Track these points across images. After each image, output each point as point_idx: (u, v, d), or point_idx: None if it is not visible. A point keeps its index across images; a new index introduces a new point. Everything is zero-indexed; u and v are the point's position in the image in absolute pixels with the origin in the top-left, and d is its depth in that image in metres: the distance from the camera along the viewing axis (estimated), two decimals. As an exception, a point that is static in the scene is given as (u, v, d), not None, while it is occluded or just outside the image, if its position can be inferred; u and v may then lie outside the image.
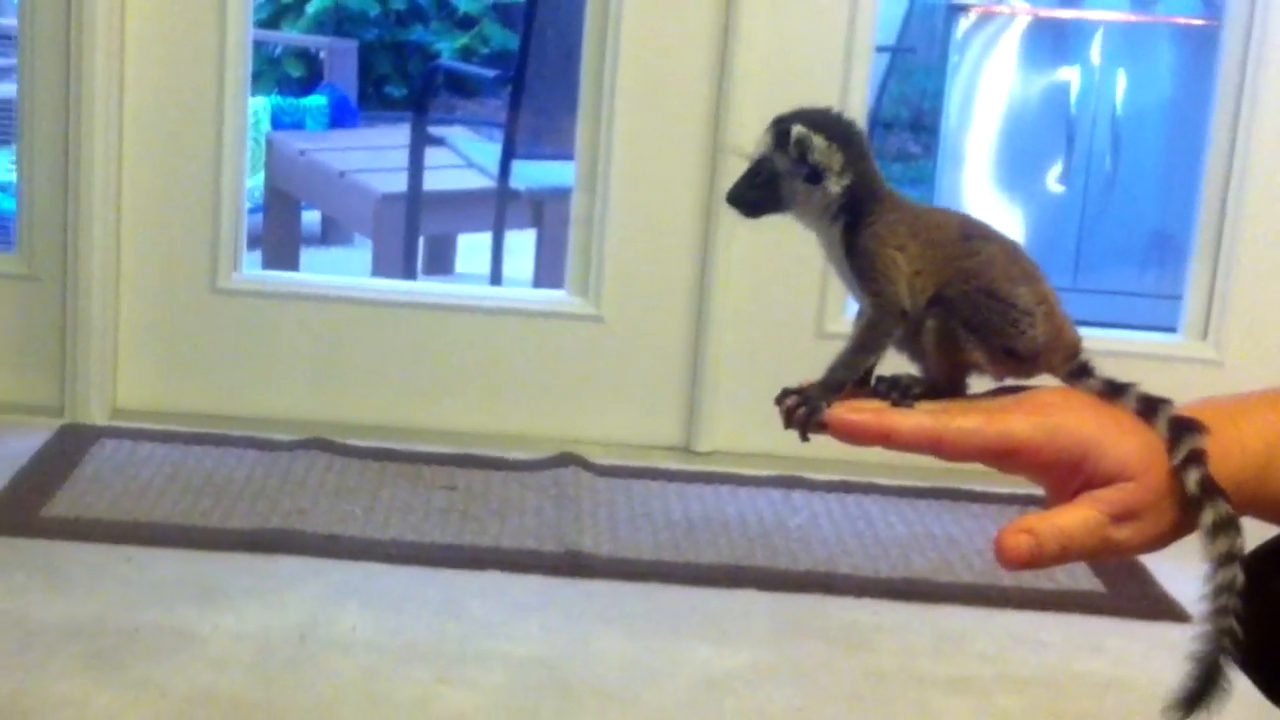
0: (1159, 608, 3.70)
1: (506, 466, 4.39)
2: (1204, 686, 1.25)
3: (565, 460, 4.43)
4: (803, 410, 1.28)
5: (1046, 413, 1.26)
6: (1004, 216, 6.06)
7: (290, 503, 4.04)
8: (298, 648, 3.34)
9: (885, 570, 3.87)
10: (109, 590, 3.53)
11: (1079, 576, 3.87)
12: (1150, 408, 1.27)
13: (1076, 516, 1.24)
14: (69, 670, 3.14)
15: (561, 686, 3.24)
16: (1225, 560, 1.24)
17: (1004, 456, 1.26)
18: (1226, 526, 1.23)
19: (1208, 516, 1.23)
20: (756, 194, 1.38)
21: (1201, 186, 4.65)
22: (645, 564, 3.83)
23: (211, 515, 3.94)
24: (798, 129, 1.35)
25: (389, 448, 4.45)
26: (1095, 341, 1.34)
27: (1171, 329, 4.76)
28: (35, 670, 3.13)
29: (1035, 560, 1.24)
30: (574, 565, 3.79)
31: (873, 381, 1.32)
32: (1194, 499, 1.24)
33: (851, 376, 1.31)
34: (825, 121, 1.36)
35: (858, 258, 1.35)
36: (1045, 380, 1.32)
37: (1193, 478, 1.24)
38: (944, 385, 1.31)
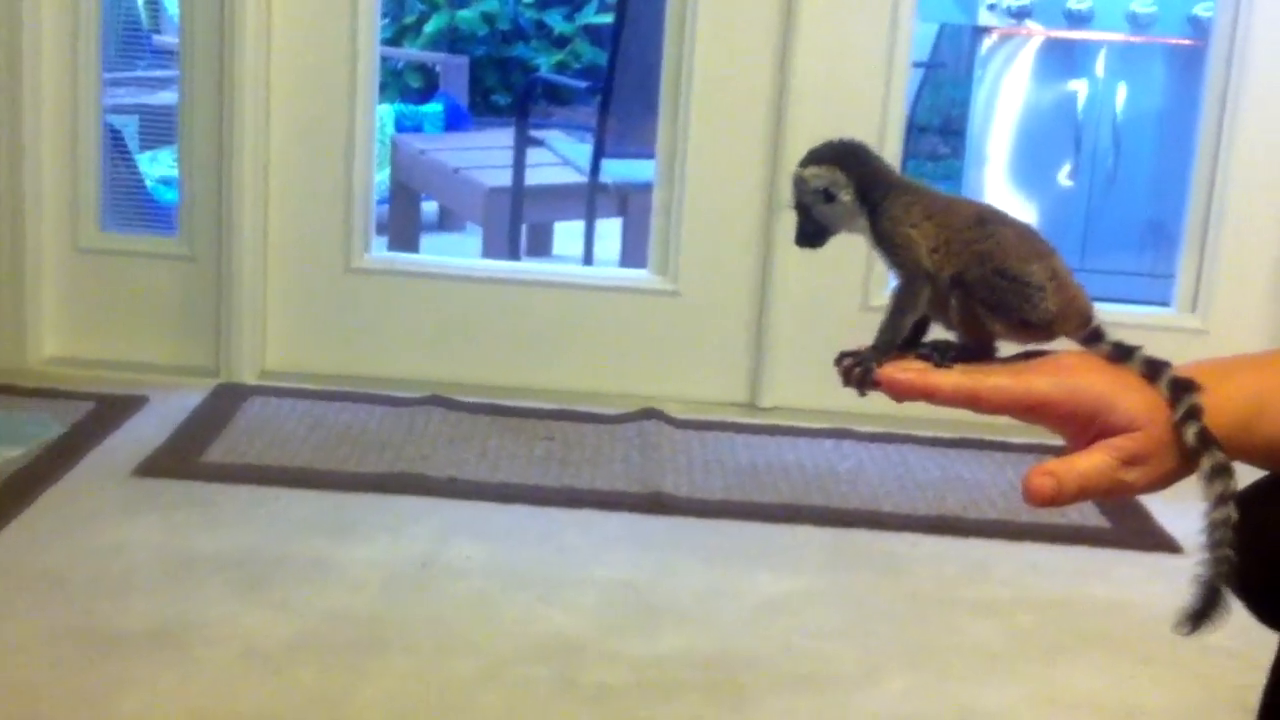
0: (1156, 541, 3.68)
1: (597, 420, 4.40)
2: (1206, 607, 1.25)
3: (648, 414, 4.43)
4: (858, 370, 1.29)
5: (1066, 373, 1.27)
6: (1021, 207, 6.06)
7: (413, 450, 4.06)
8: (419, 574, 3.36)
9: (921, 508, 3.87)
10: (258, 525, 3.55)
11: (1087, 514, 3.85)
12: (1153, 369, 1.27)
13: (1092, 461, 1.24)
14: (224, 593, 3.17)
15: (645, 607, 3.25)
16: (1221, 501, 1.23)
17: (1029, 410, 1.27)
18: (1221, 472, 1.23)
19: (1205, 463, 1.23)
20: (807, 230, 1.40)
21: (1190, 182, 4.67)
22: (716, 503, 3.83)
23: (346, 461, 3.97)
24: (795, 172, 1.38)
25: (497, 404, 4.45)
26: (1100, 314, 1.34)
27: (1165, 303, 4.78)
28: (195, 593, 3.16)
29: (1057, 498, 1.24)
30: (655, 504, 3.80)
31: (920, 346, 1.33)
32: (1193, 449, 1.23)
33: (896, 338, 1.32)
34: (821, 153, 1.37)
35: (881, 239, 1.36)
36: (1064, 345, 1.32)
37: (1191, 430, 1.24)
38: (976, 350, 1.32)
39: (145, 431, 4.09)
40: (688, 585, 3.38)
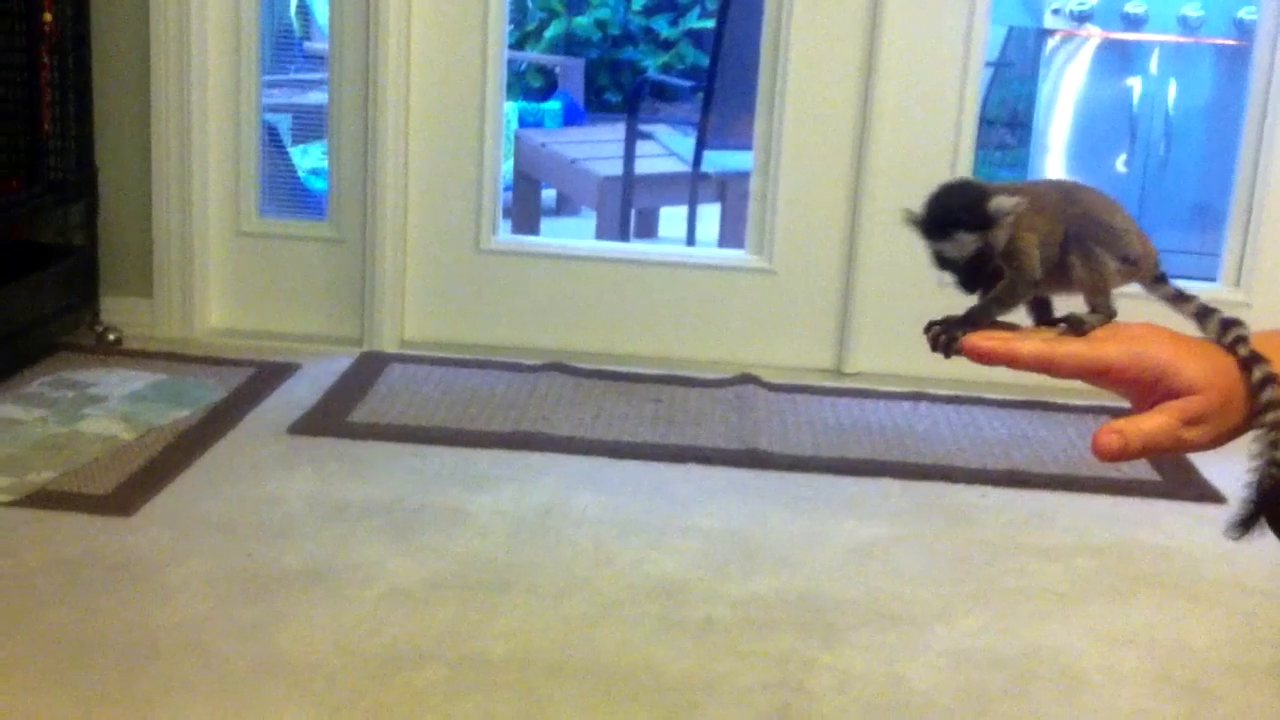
0: (1202, 492, 3.65)
1: (700, 384, 4.38)
2: (1254, 512, 1.24)
3: (745, 380, 4.42)
4: (944, 337, 1.28)
5: (1133, 341, 1.26)
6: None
7: (535, 411, 4.07)
8: (542, 522, 3.36)
9: (990, 463, 3.84)
10: (399, 477, 3.56)
11: (1139, 469, 3.81)
12: (1205, 312, 1.27)
13: (1156, 421, 1.23)
14: (370, 538, 3.19)
15: (744, 551, 3.24)
16: (1270, 406, 1.22)
17: (1099, 375, 1.25)
18: (1268, 381, 1.22)
19: (1256, 374, 1.23)
20: (964, 280, 1.34)
21: (1235, 169, 4.62)
22: (806, 458, 3.81)
23: (476, 421, 3.98)
24: (932, 246, 1.29)
25: (610, 370, 4.45)
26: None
27: (1212, 279, 4.71)
28: (344, 538, 3.18)
29: (1123, 454, 1.23)
30: (752, 459, 3.79)
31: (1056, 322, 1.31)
32: (1244, 361, 1.23)
33: (986, 319, 1.30)
34: (939, 218, 1.29)
35: (1003, 255, 1.33)
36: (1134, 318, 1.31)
37: (1242, 350, 1.23)
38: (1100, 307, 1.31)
39: (298, 395, 4.12)
40: (781, 532, 3.37)
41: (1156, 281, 1.32)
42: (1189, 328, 1.28)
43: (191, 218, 4.52)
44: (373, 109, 4.45)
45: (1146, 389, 1.25)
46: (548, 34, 9.10)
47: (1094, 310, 1.30)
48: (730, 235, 5.92)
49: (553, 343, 4.63)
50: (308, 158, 5.35)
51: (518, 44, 8.81)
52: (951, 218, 1.29)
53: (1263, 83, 4.50)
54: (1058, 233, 1.31)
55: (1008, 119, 7.12)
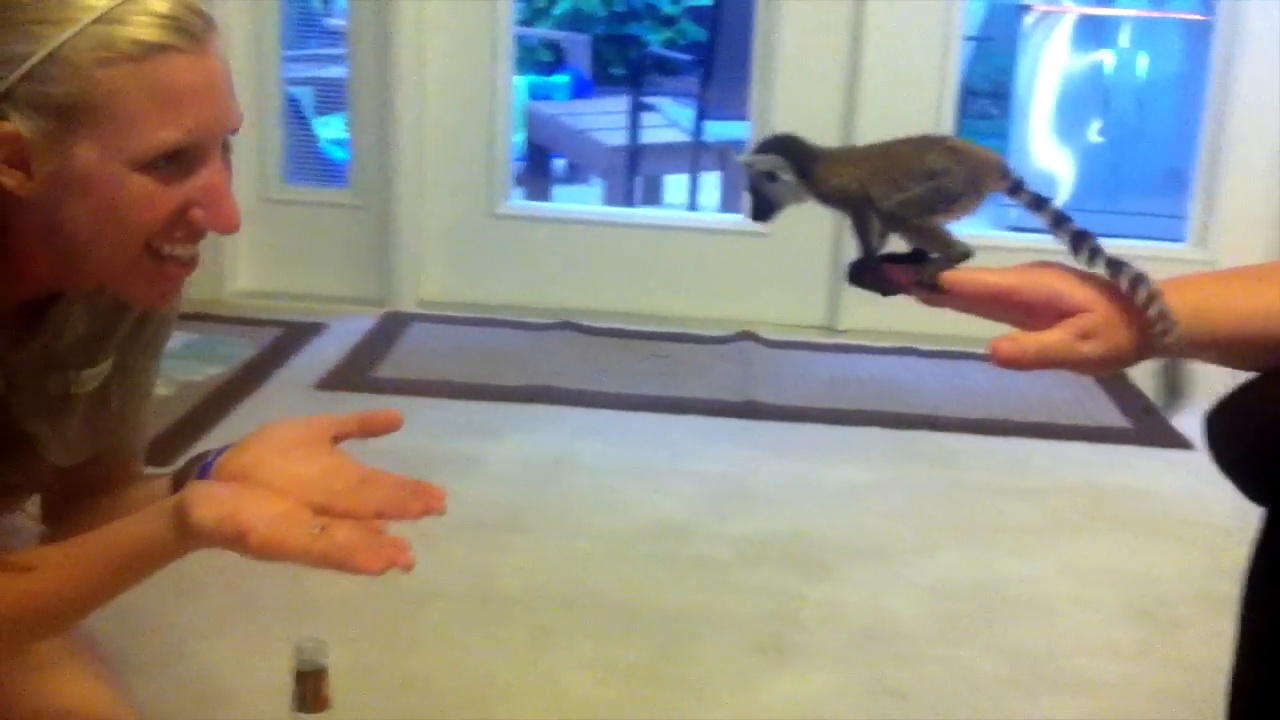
0: (1171, 439, 3.65)
1: (701, 340, 4.42)
2: (1174, 384, 1.29)
3: (744, 336, 4.46)
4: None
5: (1026, 271, 1.31)
6: (1058, 160, 6.06)
7: (547, 367, 4.11)
8: (553, 469, 3.41)
9: (972, 413, 3.87)
10: (420, 428, 3.59)
11: (1112, 416, 3.87)
12: (1060, 220, 1.31)
13: (1052, 334, 1.28)
14: (392, 483, 3.22)
15: (741, 495, 3.29)
16: (1149, 300, 1.26)
17: (996, 299, 1.31)
18: (1140, 279, 1.27)
19: (1123, 280, 1.27)
20: (760, 206, 1.44)
21: (1200, 137, 4.68)
22: (800, 409, 3.86)
23: (490, 376, 4.01)
24: (743, 160, 1.43)
25: (617, 327, 4.49)
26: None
27: (1179, 239, 4.77)
28: (369, 483, 3.21)
29: (1018, 361, 1.26)
30: (750, 410, 3.83)
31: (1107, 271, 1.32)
32: (1110, 270, 1.28)
33: (869, 253, 1.39)
34: (764, 144, 1.41)
35: (820, 197, 1.41)
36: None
37: (1101, 261, 1.28)
38: (947, 254, 1.35)
39: (324, 352, 4.17)
40: (775, 476, 3.41)
41: (1013, 190, 1.35)
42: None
43: (221, 186, 4.55)
44: (390, 82, 4.49)
45: (1042, 312, 1.30)
46: (556, 10, 9.11)
47: (945, 256, 1.35)
48: (730, 200, 5.96)
49: (562, 302, 4.66)
50: (329, 128, 5.38)
51: (527, 20, 8.82)
52: (761, 144, 1.42)
53: (1225, 55, 4.55)
54: (876, 184, 1.35)
55: (990, 91, 7.14)
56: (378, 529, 1.39)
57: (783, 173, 1.40)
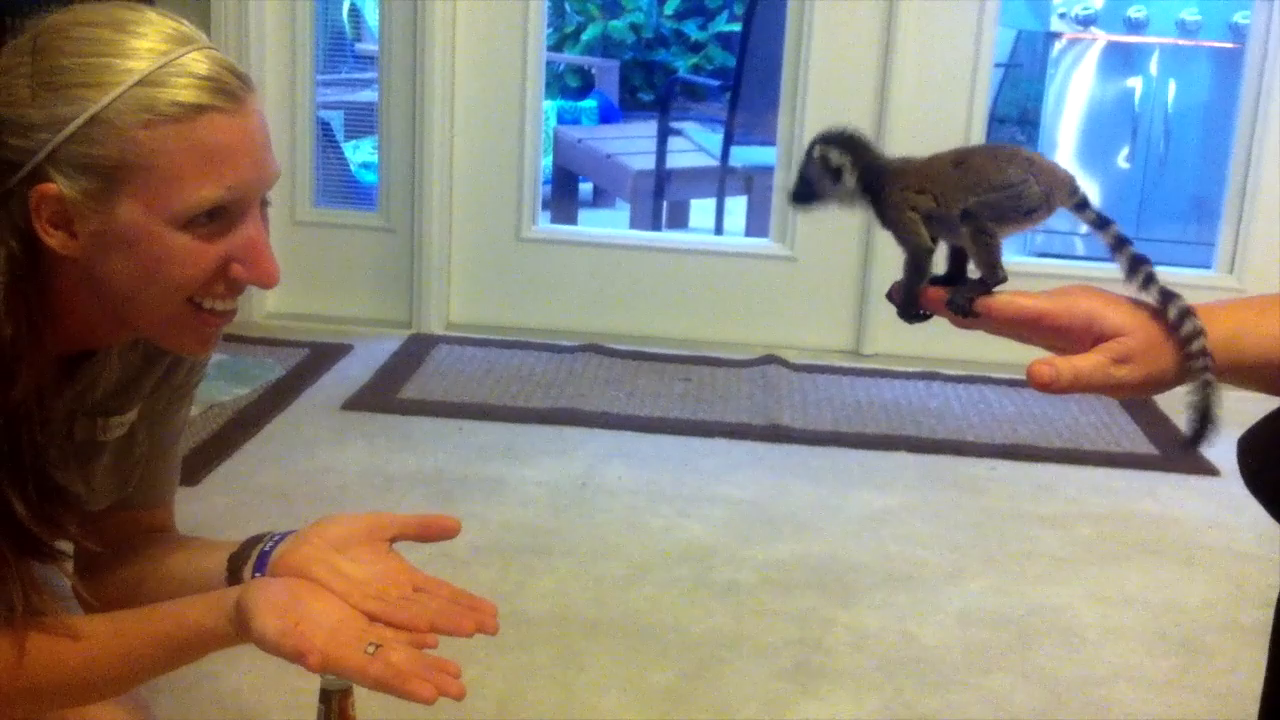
0: (1197, 465, 3.64)
1: (727, 364, 4.41)
2: (1201, 428, 1.27)
3: (769, 360, 4.45)
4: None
5: (1063, 294, 1.30)
6: (1085, 186, 6.03)
7: (572, 389, 4.10)
8: (579, 491, 3.40)
9: (998, 438, 3.86)
10: (445, 450, 3.61)
11: (1138, 442, 3.85)
12: (1120, 244, 1.30)
13: (1088, 358, 1.27)
14: (418, 506, 3.20)
15: (766, 519, 3.28)
16: (1194, 335, 1.25)
17: (1032, 323, 1.30)
18: (1188, 313, 1.26)
19: (1172, 311, 1.26)
20: (803, 193, 1.41)
21: (1229, 165, 4.66)
22: (826, 433, 3.85)
23: (517, 398, 4.01)
24: (815, 145, 1.39)
25: (643, 350, 4.49)
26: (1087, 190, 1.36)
27: (1207, 266, 4.74)
28: (395, 505, 3.19)
29: (1054, 384, 1.25)
30: (775, 434, 3.82)
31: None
32: (1160, 301, 1.27)
33: (912, 300, 1.36)
34: (838, 137, 1.38)
35: (888, 225, 1.38)
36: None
37: (1154, 289, 1.27)
38: (989, 276, 1.33)
39: (351, 373, 4.17)
40: (801, 501, 3.40)
41: (1079, 207, 1.34)
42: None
43: (251, 208, 4.56)
44: (420, 106, 4.49)
45: (1078, 336, 1.29)
46: (585, 36, 9.13)
47: (981, 280, 1.33)
48: (756, 225, 5.95)
49: (589, 325, 4.66)
50: (359, 152, 5.40)
51: (556, 46, 8.84)
52: (835, 137, 1.40)
53: (1255, 83, 4.53)
54: (952, 203, 1.33)
55: (1018, 117, 7.11)
56: (431, 642, 1.42)
57: (848, 176, 1.38)
